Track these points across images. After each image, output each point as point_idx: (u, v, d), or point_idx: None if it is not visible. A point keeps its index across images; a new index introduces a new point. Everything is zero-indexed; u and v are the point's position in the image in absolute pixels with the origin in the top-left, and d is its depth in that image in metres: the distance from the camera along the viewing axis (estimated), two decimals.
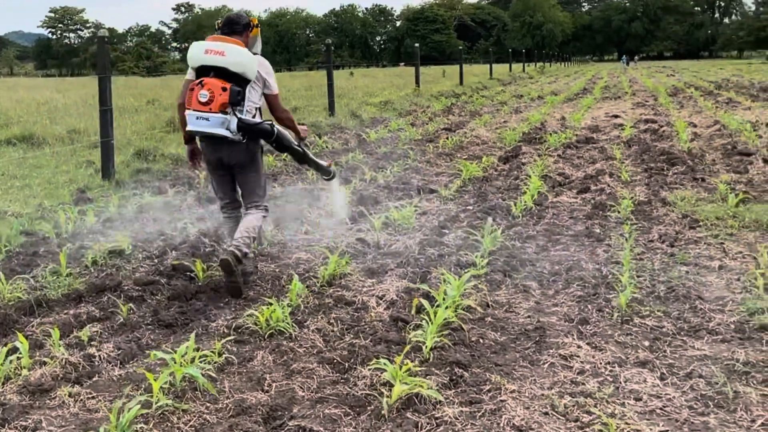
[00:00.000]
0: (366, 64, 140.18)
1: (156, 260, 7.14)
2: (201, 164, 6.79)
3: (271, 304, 5.63)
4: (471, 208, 9.16)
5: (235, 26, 6.29)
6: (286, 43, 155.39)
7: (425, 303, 5.33)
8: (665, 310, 5.58)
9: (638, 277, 6.32)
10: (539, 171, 10.97)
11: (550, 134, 15.29)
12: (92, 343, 5.20)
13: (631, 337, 5.13)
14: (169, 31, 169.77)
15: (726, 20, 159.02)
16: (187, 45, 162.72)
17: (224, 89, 5.79)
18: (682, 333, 5.20)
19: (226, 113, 5.84)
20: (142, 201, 9.47)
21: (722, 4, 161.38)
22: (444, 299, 5.43)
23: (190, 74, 6.19)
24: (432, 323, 5.02)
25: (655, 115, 19.53)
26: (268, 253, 7.39)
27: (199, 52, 5.94)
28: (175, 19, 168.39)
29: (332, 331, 5.37)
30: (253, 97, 6.31)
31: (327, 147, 14.55)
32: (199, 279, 6.53)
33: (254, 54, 6.24)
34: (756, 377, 4.46)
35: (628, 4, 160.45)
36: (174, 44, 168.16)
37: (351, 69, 77.95)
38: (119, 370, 4.79)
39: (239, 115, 5.96)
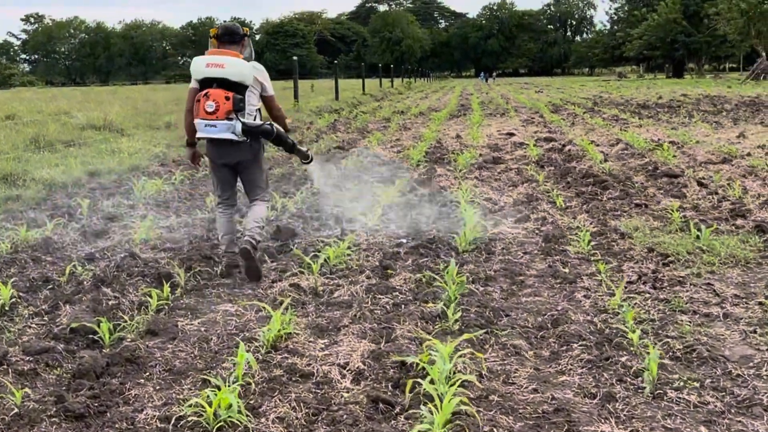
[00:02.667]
0: None
1: (47, 317, 5.74)
2: (200, 164, 7.62)
3: (207, 380, 4.46)
4: (405, 241, 8.06)
5: (234, 36, 6.79)
6: (141, 55, 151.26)
7: (427, 385, 4.16)
8: (696, 378, 4.60)
9: (641, 331, 5.32)
10: (464, 196, 9.94)
11: (456, 154, 14.41)
12: None
13: (679, 420, 4.10)
14: (18, 43, 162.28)
15: (578, 38, 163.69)
16: (37, 56, 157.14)
17: (227, 98, 6.36)
18: (733, 411, 4.22)
19: (231, 119, 6.43)
20: (17, 237, 7.96)
21: (573, 23, 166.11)
22: (439, 375, 4.30)
23: (193, 84, 6.68)
24: (439, 411, 3.88)
25: (550, 132, 18.94)
26: (184, 305, 6.09)
27: (201, 66, 6.50)
28: (24, 30, 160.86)
29: (297, 419, 4.17)
30: (253, 101, 6.76)
31: None
32: (104, 344, 5.20)
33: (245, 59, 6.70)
34: None
35: (484, 22, 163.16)
36: (23, 56, 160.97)
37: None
38: None
39: (242, 120, 6.50)
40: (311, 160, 7.99)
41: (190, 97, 6.73)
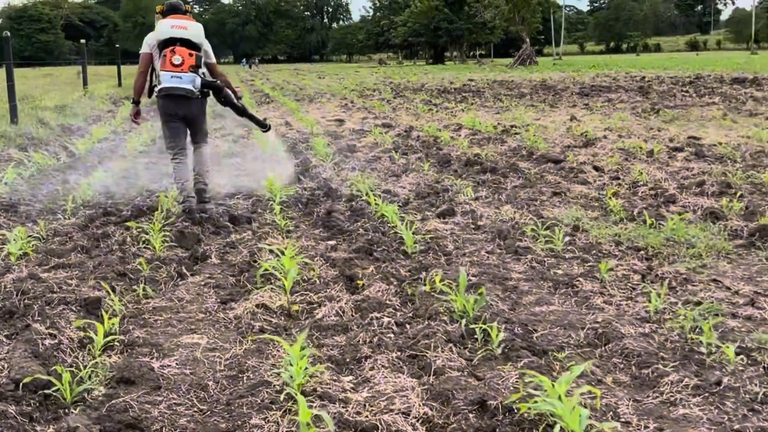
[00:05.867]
0: None
1: None
2: (140, 122, 8.56)
3: None
4: (334, 243, 7.02)
5: (178, 10, 7.81)
6: None
7: None
8: None
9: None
10: (364, 189, 8.94)
11: (305, 143, 13.43)
12: None
13: None
14: None
15: (335, 25, 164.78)
16: None
17: (191, 54, 7.53)
18: None
19: (194, 73, 7.51)
20: None
21: (330, 9, 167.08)
22: (578, 425, 3.36)
23: (145, 49, 7.80)
24: None
25: (379, 119, 18.31)
26: (141, 340, 4.76)
27: (167, 27, 7.60)
28: None
29: None
30: (201, 63, 7.72)
31: (44, 163, 11.42)
32: (66, 400, 3.87)
33: None
34: None
35: (240, 8, 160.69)
36: None
37: None
38: None
39: (201, 76, 7.62)
40: (269, 128, 9.07)
41: (143, 60, 7.83)
